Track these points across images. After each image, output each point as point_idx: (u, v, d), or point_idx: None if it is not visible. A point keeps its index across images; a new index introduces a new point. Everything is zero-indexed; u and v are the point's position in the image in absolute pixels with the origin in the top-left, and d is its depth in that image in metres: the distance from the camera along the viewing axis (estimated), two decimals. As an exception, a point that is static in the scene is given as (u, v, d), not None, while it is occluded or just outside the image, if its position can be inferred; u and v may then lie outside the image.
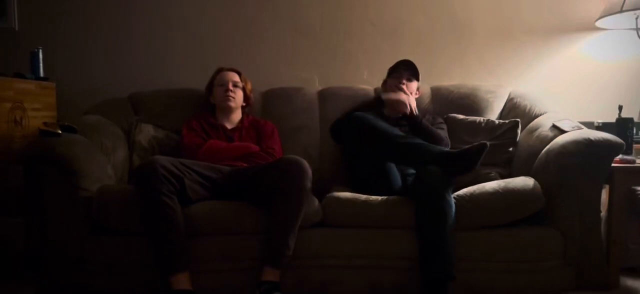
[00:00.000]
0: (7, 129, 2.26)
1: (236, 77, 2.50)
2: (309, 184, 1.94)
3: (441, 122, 2.48)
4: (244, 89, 2.51)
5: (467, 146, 1.96)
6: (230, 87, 2.45)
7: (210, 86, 2.53)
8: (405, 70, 2.45)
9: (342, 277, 1.99)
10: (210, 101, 2.52)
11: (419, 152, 2.00)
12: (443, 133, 2.39)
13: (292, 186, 1.90)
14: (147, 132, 2.42)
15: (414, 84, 2.47)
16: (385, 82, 2.55)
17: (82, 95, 2.81)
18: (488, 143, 1.89)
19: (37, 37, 2.83)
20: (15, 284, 2.13)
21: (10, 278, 2.20)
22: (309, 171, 1.94)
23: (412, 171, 2.21)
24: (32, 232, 2.14)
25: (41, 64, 2.59)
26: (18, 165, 2.10)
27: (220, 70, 2.54)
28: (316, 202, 2.04)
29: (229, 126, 2.46)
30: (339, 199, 2.05)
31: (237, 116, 2.50)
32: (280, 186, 1.90)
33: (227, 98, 2.43)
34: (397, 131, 2.10)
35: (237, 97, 2.47)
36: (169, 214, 1.84)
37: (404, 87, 2.41)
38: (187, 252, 1.88)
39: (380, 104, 2.54)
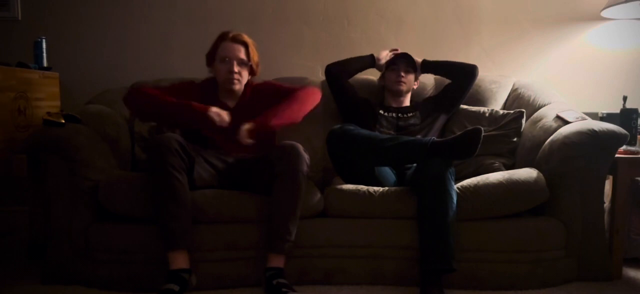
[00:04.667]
0: (11, 118, 2.26)
1: (242, 53, 2.19)
2: (304, 168, 1.93)
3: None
4: (250, 66, 2.23)
5: (458, 133, 1.95)
6: (235, 68, 2.16)
7: (213, 55, 2.22)
8: (402, 62, 2.47)
9: (344, 266, 2.00)
10: (210, 72, 2.26)
11: (410, 150, 1.98)
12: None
13: (288, 169, 1.90)
14: (147, 123, 2.41)
15: (411, 76, 2.48)
16: (382, 77, 2.57)
17: (85, 85, 2.81)
18: (482, 128, 1.88)
19: (40, 27, 2.83)
20: (20, 272, 2.15)
21: (15, 266, 2.22)
22: (305, 155, 1.94)
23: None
24: (36, 221, 2.16)
25: (44, 54, 2.59)
26: (22, 154, 2.11)
27: (223, 38, 2.20)
28: (318, 193, 2.04)
29: (231, 104, 2.23)
30: (341, 190, 2.05)
31: (240, 90, 2.26)
32: (277, 170, 1.91)
33: (231, 81, 2.17)
34: (382, 135, 2.09)
35: (243, 78, 2.21)
36: (177, 187, 1.84)
37: (403, 78, 2.44)
38: (190, 231, 1.89)
39: (381, 94, 2.55)
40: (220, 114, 2.00)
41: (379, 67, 2.57)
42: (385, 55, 2.55)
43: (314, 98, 2.23)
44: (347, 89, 2.51)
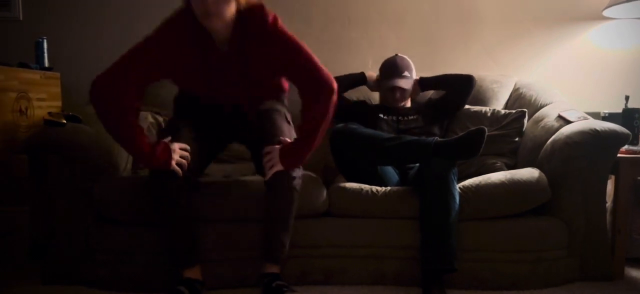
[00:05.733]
0: (12, 118, 2.26)
1: None
2: (299, 182, 1.86)
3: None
4: None
5: (462, 133, 1.94)
6: None
7: None
8: (398, 89, 2.40)
9: (345, 266, 2.00)
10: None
11: (413, 150, 1.98)
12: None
13: (281, 186, 1.83)
14: (145, 121, 2.40)
15: (408, 92, 2.44)
16: (379, 81, 2.51)
17: (86, 85, 2.78)
18: (486, 128, 1.88)
19: (41, 27, 2.83)
20: (20, 272, 2.15)
21: (15, 266, 2.21)
22: (300, 171, 1.88)
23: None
24: (38, 221, 2.16)
25: (46, 54, 2.59)
26: (22, 154, 2.11)
27: None
28: (324, 194, 2.03)
29: (222, 46, 1.77)
30: (344, 189, 2.05)
31: (229, 25, 1.73)
32: (270, 181, 1.82)
33: (206, 14, 1.63)
34: (385, 135, 2.07)
35: (224, 10, 1.65)
36: (183, 214, 1.84)
37: (398, 99, 2.41)
38: (197, 247, 1.89)
39: (384, 96, 2.54)
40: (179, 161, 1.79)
41: (369, 86, 2.51)
42: (375, 77, 2.50)
43: (334, 100, 1.88)
44: (340, 104, 2.47)
